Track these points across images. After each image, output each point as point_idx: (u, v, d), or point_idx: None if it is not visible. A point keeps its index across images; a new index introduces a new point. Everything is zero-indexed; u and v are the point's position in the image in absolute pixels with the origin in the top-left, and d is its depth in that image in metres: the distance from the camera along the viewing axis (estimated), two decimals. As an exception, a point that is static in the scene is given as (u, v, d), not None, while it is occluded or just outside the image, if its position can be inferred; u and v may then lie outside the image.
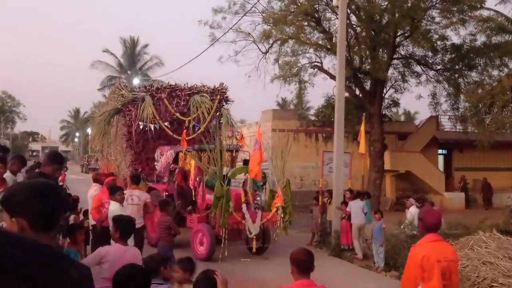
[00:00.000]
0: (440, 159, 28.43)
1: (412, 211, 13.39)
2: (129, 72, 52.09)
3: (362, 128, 14.59)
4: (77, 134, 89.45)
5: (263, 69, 23.83)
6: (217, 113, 15.60)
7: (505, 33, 18.89)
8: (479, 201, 24.63)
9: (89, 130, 70.60)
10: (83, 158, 62.55)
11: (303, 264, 3.86)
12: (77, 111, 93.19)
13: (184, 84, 15.73)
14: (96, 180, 10.55)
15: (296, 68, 20.88)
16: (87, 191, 11.26)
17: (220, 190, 10.65)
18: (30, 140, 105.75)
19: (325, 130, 23.77)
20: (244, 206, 11.03)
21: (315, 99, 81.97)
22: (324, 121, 23.10)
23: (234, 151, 13.70)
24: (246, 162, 12.24)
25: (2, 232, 1.05)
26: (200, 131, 14.74)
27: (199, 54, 31.35)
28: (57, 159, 5.11)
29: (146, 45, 54.40)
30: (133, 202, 9.19)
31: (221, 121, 15.85)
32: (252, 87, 44.84)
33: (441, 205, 21.08)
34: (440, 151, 28.12)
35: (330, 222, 13.23)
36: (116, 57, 53.15)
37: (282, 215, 11.16)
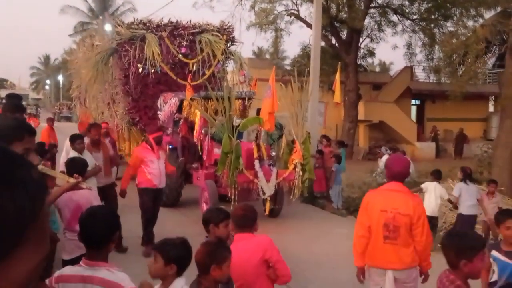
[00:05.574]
0: (413, 109, 28.82)
1: (384, 160, 13.67)
2: (100, 17, 50.57)
3: (337, 77, 14.55)
4: (47, 81, 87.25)
5: (239, 16, 23.45)
6: (223, 55, 13.92)
7: (482, -17, 18.77)
8: (449, 151, 25.20)
9: (60, 77, 69.15)
10: (55, 106, 61.45)
11: (240, 220, 3.80)
12: (47, 58, 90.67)
13: (187, 22, 13.95)
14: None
15: (273, 16, 20.57)
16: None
17: (228, 144, 9.17)
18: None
19: (301, 80, 23.73)
20: (256, 163, 9.55)
21: (291, 49, 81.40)
22: (300, 71, 22.96)
23: (246, 99, 12.12)
24: (259, 111, 10.52)
25: None
26: (206, 76, 13.21)
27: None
28: None
29: (118, -11, 52.73)
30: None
31: (226, 65, 14.51)
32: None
33: (413, 155, 21.53)
34: (413, 101, 28.46)
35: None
36: (87, 1, 51.71)
37: (300, 173, 9.79)
